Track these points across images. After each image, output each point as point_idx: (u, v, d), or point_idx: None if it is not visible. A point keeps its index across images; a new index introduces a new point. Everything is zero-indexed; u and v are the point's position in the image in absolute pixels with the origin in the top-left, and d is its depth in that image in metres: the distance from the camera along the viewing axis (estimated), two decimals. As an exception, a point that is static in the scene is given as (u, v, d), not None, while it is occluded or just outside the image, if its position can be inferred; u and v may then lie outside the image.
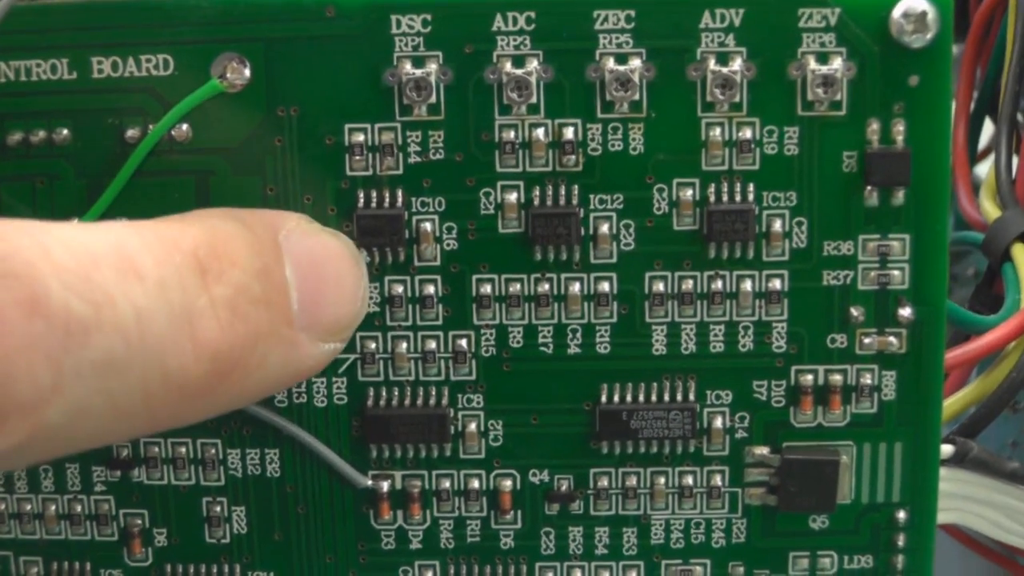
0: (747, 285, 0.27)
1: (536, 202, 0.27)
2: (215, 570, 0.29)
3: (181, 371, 0.21)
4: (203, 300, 0.22)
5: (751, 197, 0.27)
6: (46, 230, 0.20)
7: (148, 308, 0.21)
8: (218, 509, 0.29)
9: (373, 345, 0.28)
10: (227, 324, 0.22)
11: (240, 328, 0.22)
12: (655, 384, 0.28)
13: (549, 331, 0.27)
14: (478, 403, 0.28)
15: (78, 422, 0.20)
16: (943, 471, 0.28)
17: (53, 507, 0.29)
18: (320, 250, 0.25)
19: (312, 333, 0.24)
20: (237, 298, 0.22)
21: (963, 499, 0.29)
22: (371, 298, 0.27)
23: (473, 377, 0.28)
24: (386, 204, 0.27)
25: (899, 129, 0.26)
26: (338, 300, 0.25)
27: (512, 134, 0.27)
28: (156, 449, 0.28)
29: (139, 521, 0.29)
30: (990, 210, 0.33)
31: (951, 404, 0.30)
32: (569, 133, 0.26)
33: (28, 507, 0.29)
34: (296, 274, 0.24)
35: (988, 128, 0.37)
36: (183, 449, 0.28)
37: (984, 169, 0.35)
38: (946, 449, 0.29)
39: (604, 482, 0.28)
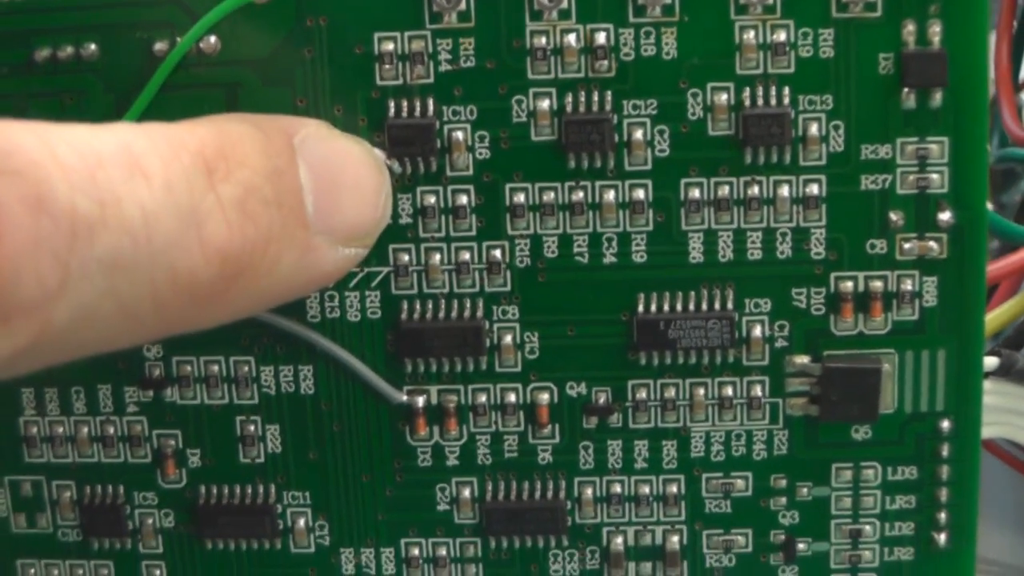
0: (784, 191, 0.27)
1: (569, 109, 0.26)
2: (249, 491, 0.29)
3: (190, 272, 0.21)
4: (210, 200, 0.21)
5: (787, 101, 0.26)
6: (51, 130, 0.20)
7: (155, 208, 0.20)
8: (252, 428, 0.28)
9: (406, 257, 0.27)
10: (236, 225, 0.22)
11: (250, 229, 0.22)
12: (693, 293, 0.27)
13: (584, 240, 0.27)
14: (513, 315, 0.28)
15: (85, 324, 0.20)
16: (987, 384, 0.28)
17: (85, 429, 0.29)
18: (337, 155, 0.25)
19: (330, 237, 0.24)
20: (246, 198, 0.22)
21: (1008, 412, 0.29)
22: (403, 209, 0.27)
23: (508, 288, 0.27)
24: (417, 113, 0.27)
25: (935, 30, 0.26)
26: (356, 204, 0.25)
27: (543, 40, 0.26)
28: (188, 368, 0.28)
29: (172, 442, 0.29)
30: (1035, 126, 0.33)
31: (997, 316, 0.29)
32: (601, 38, 0.26)
33: (60, 430, 0.29)
34: (311, 178, 0.24)
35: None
36: (215, 367, 0.28)
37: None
38: (991, 361, 0.28)
39: (643, 394, 0.28)
